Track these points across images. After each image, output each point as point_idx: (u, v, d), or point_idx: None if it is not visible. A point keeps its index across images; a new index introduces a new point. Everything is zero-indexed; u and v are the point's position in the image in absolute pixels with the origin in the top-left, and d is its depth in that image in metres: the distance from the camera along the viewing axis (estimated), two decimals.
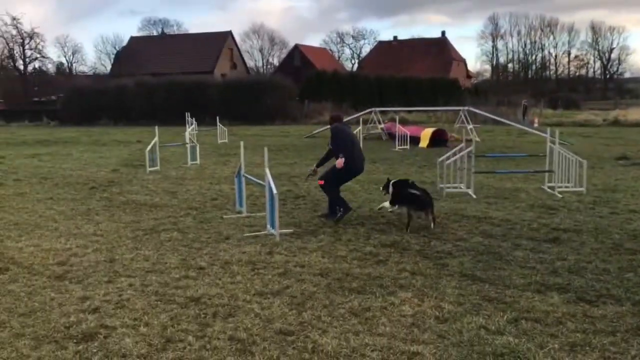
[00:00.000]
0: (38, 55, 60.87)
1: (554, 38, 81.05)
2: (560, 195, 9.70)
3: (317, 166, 8.65)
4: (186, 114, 23.55)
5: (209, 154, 18.05)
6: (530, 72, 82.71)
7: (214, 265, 5.91)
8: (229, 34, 63.92)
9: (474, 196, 9.72)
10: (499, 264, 5.89)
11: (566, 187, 10.15)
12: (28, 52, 60.14)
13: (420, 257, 6.15)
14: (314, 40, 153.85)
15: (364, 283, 5.29)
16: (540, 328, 4.26)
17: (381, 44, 73.55)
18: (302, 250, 6.43)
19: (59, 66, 65.10)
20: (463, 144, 10.51)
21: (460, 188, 10.26)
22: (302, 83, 42.78)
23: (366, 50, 77.97)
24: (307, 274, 5.56)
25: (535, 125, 27.47)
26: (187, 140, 16.03)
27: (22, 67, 60.67)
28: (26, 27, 67.41)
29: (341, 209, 7.89)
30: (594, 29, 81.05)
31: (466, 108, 22.73)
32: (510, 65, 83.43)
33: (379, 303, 4.77)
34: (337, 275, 5.53)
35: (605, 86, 79.88)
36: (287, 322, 4.40)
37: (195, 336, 4.15)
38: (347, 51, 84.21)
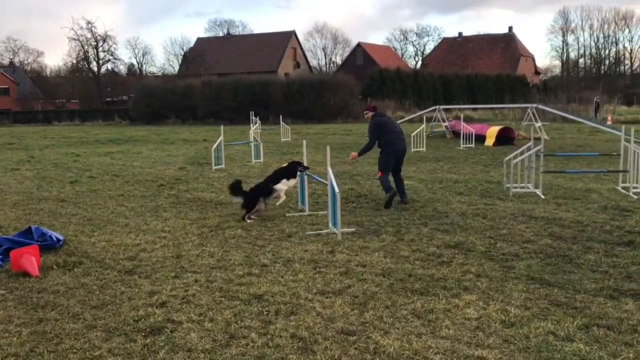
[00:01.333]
0: (110, 57, 63.56)
1: (630, 31, 77.50)
2: (635, 197, 9.24)
3: (359, 155, 9.10)
4: (250, 112, 23.99)
5: (273, 152, 18.29)
6: (603, 67, 79.25)
7: (276, 262, 5.97)
8: (292, 34, 64.59)
9: (543, 197, 9.40)
10: (569, 267, 5.66)
11: None
12: (101, 54, 62.86)
13: (485, 258, 6.00)
14: (377, 38, 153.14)
15: (427, 284, 5.21)
16: (613, 335, 4.07)
17: (445, 41, 72.32)
18: (363, 250, 6.40)
19: (130, 67, 67.71)
20: (531, 143, 10.17)
21: (528, 188, 9.95)
22: (364, 81, 42.63)
23: (430, 47, 76.98)
24: (369, 274, 5.53)
25: (609, 122, 26.29)
26: (251, 139, 16.29)
27: (95, 69, 63.48)
28: (100, 30, 70.44)
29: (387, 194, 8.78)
30: None
31: (534, 105, 22.00)
32: (581, 60, 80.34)
33: (442, 305, 4.69)
34: (399, 275, 5.47)
35: None
36: (348, 321, 4.39)
37: (257, 333, 4.21)
38: (411, 48, 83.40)
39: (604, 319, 4.35)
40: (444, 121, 23.46)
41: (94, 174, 13.60)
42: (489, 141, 19.45)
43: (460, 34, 72.37)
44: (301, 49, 66.82)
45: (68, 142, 25.69)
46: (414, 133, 18.32)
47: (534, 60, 71.75)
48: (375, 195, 9.92)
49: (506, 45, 66.97)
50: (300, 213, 8.50)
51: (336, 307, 4.67)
